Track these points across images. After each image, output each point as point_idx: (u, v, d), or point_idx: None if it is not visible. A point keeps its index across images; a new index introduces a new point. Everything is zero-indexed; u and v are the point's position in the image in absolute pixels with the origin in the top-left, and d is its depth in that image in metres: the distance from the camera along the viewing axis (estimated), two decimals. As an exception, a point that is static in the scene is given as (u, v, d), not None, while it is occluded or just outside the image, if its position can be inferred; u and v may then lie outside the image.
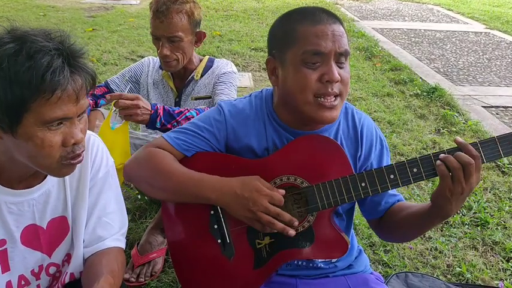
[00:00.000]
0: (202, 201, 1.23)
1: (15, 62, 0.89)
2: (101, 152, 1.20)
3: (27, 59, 0.89)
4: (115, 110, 1.68)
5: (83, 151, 1.03)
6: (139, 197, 2.30)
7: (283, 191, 1.21)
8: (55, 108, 0.93)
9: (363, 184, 1.19)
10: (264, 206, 1.16)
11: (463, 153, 1.10)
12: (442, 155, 1.13)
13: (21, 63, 0.89)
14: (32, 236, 1.12)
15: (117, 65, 4.34)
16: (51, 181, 1.12)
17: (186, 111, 1.76)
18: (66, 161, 1.00)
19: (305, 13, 1.20)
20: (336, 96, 1.17)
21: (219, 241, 1.27)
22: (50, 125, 0.95)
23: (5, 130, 0.94)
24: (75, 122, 0.99)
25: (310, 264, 1.35)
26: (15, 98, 0.89)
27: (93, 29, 5.54)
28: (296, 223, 1.20)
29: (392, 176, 1.18)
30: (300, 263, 1.34)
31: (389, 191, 1.31)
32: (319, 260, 1.34)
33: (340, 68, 1.17)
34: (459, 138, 1.14)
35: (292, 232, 1.19)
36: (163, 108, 1.74)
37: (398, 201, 1.33)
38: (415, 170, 1.17)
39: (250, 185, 1.18)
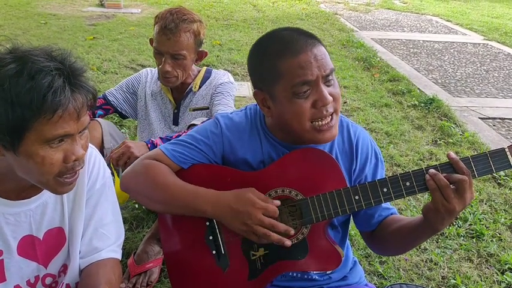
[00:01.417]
0: (198, 214, 1.24)
1: (16, 83, 0.90)
2: (98, 164, 1.22)
3: (28, 79, 0.91)
4: (118, 171, 1.73)
5: (82, 167, 1.05)
6: (136, 206, 2.31)
7: (278, 202, 1.22)
8: (56, 126, 0.94)
9: (356, 197, 1.21)
10: (258, 218, 1.18)
11: (454, 174, 1.12)
12: (431, 171, 1.15)
13: (22, 84, 0.90)
14: (28, 247, 1.14)
15: (117, 74, 4.37)
16: (48, 192, 1.13)
17: (184, 133, 1.78)
18: (62, 178, 1.01)
19: (282, 43, 1.16)
20: (331, 115, 1.18)
21: (214, 252, 1.29)
22: (51, 142, 0.96)
23: (6, 148, 0.95)
24: (76, 138, 1.01)
25: (305, 276, 1.35)
26: (17, 118, 0.91)
27: (93, 38, 5.56)
28: (292, 232, 1.21)
29: (385, 190, 1.19)
30: (294, 274, 1.35)
31: (383, 205, 1.32)
32: (314, 272, 1.35)
33: (329, 86, 1.17)
34: (452, 154, 1.15)
35: (288, 243, 1.20)
36: (160, 138, 1.76)
37: (391, 214, 1.34)
38: (407, 183, 1.18)
39: (244, 198, 1.20)
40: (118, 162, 1.69)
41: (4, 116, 0.91)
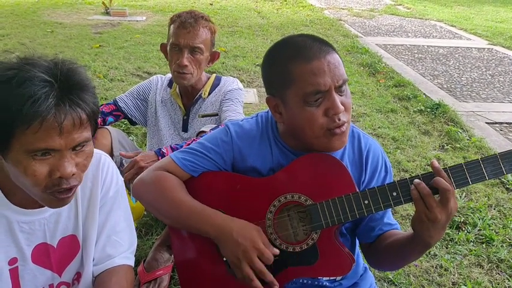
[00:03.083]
0: (202, 234, 1.25)
1: (4, 89, 0.91)
2: (111, 172, 1.22)
3: (15, 87, 0.91)
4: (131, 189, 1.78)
5: (74, 186, 1.01)
6: (145, 213, 2.31)
7: (276, 251, 1.22)
8: (37, 138, 0.92)
9: (366, 202, 1.20)
10: (250, 258, 1.18)
11: (441, 179, 1.10)
12: (416, 181, 1.14)
13: (9, 90, 0.91)
14: (43, 255, 1.14)
15: (123, 81, 4.39)
16: None
17: (194, 142, 1.79)
18: (51, 193, 0.99)
19: (296, 48, 1.16)
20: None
21: (225, 259, 1.29)
22: (34, 154, 0.94)
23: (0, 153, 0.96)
24: (66, 155, 0.97)
25: (316, 283, 1.35)
26: (1, 123, 0.91)
27: (99, 46, 5.60)
28: (277, 286, 1.22)
29: (395, 194, 1.18)
30: (305, 281, 1.34)
31: (386, 220, 1.32)
32: (324, 279, 1.34)
33: (341, 95, 1.17)
34: (435, 163, 1.13)
35: None
36: (170, 147, 1.78)
37: (392, 229, 1.34)
38: (417, 186, 1.17)
39: (248, 234, 1.19)
40: (131, 181, 1.71)
41: None
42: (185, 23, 1.95)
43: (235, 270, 1.22)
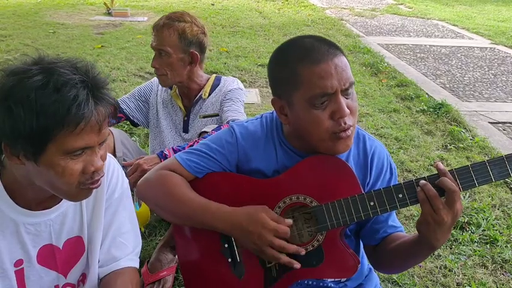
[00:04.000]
0: (210, 229, 1.25)
1: (42, 95, 0.92)
2: (117, 173, 1.23)
3: (53, 91, 0.92)
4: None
5: (102, 176, 1.05)
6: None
7: (290, 221, 1.21)
8: (78, 138, 0.95)
9: (372, 203, 1.20)
10: (268, 240, 1.18)
11: (448, 180, 1.10)
12: (422, 182, 1.13)
13: (47, 96, 0.92)
14: (48, 256, 1.15)
15: (125, 82, 4.39)
16: (67, 202, 1.14)
17: (196, 143, 1.79)
18: (85, 186, 1.03)
19: (303, 50, 1.16)
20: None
21: (230, 260, 1.29)
22: (73, 154, 0.97)
23: (28, 158, 0.96)
24: (96, 150, 1.02)
25: (321, 284, 1.34)
26: (40, 129, 0.92)
27: (101, 46, 5.60)
28: (303, 252, 1.22)
29: (400, 195, 1.18)
30: (310, 282, 1.34)
31: (390, 222, 1.32)
32: (329, 280, 1.34)
33: (347, 98, 1.16)
34: (440, 165, 1.13)
35: (297, 266, 1.21)
36: (172, 149, 1.78)
37: (397, 232, 1.33)
38: (422, 188, 1.17)
39: (256, 218, 1.19)
40: (135, 184, 1.72)
41: (28, 127, 0.92)
42: (155, 26, 2.00)
43: (259, 255, 1.22)
